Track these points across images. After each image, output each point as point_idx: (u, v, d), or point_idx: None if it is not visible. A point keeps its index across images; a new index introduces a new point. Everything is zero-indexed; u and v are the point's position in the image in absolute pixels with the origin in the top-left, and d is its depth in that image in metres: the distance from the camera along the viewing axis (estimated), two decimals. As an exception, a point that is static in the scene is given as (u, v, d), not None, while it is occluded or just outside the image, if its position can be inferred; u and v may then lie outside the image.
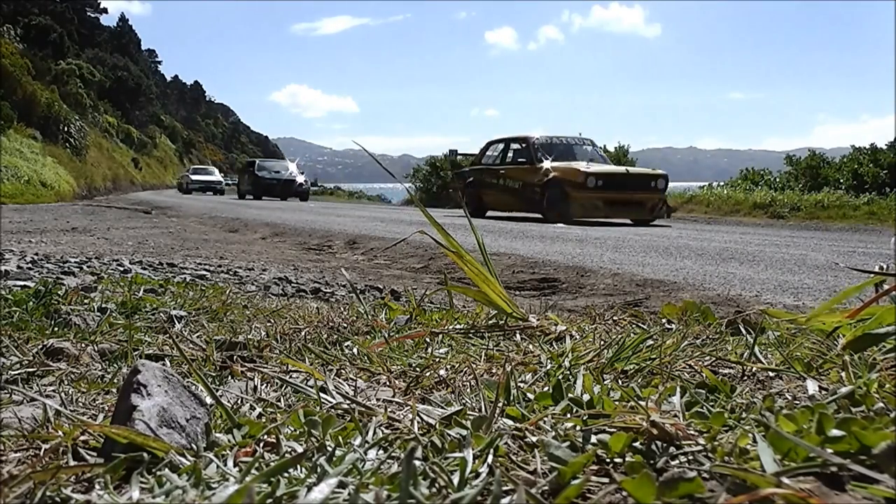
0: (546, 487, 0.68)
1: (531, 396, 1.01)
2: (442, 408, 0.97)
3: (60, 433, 0.85)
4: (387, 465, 0.74)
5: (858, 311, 1.32)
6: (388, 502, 0.63)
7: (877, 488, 0.63)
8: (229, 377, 1.25)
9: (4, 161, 18.78)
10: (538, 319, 1.70)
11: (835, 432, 0.71)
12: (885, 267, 1.69)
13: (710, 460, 0.72)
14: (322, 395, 1.03)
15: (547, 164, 11.69)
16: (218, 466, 0.74)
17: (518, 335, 1.59)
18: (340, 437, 0.83)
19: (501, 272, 4.43)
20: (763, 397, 0.92)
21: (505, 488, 0.67)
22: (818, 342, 1.33)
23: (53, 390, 1.15)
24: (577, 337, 1.56)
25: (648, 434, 0.76)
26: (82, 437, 0.84)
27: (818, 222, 11.92)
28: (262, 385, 1.18)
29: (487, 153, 13.58)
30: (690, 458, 0.73)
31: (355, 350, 1.45)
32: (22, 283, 2.69)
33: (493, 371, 1.26)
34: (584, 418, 0.86)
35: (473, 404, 1.01)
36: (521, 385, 1.09)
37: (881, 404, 0.84)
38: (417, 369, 1.27)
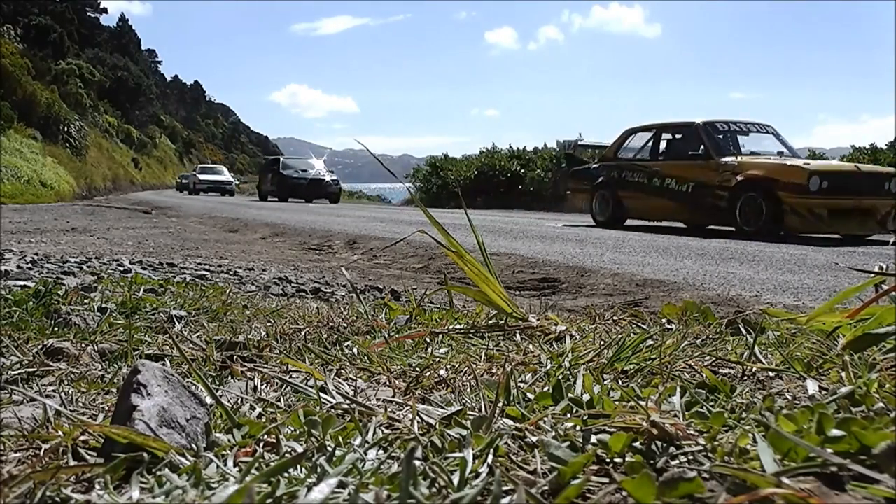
0: (546, 487, 0.68)
1: (531, 396, 1.01)
2: (442, 408, 0.97)
3: (60, 433, 0.85)
4: (387, 465, 0.74)
5: (858, 311, 1.32)
6: (388, 502, 0.63)
7: (877, 488, 0.63)
8: (229, 377, 1.25)
9: (4, 161, 18.78)
10: (538, 319, 1.70)
11: (835, 432, 0.71)
12: (885, 267, 1.69)
13: (710, 460, 0.72)
14: (322, 395, 1.03)
15: (733, 158, 8.57)
16: (218, 466, 0.74)
17: (518, 335, 1.59)
18: (340, 437, 0.83)
19: (501, 272, 4.43)
20: (763, 397, 0.92)
21: (505, 488, 0.67)
22: (818, 342, 1.33)
23: (53, 390, 1.15)
24: (577, 337, 1.56)
25: (648, 434, 0.76)
26: (82, 437, 0.84)
27: (818, 222, 11.89)
28: (262, 385, 1.18)
29: (627, 144, 10.28)
30: (690, 458, 0.73)
31: (355, 350, 1.45)
32: (22, 283, 2.69)
33: (493, 371, 1.26)
34: (584, 418, 0.86)
35: (473, 404, 1.01)
36: (521, 385, 1.09)
37: (881, 404, 0.84)
38: (417, 369, 1.27)
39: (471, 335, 1.60)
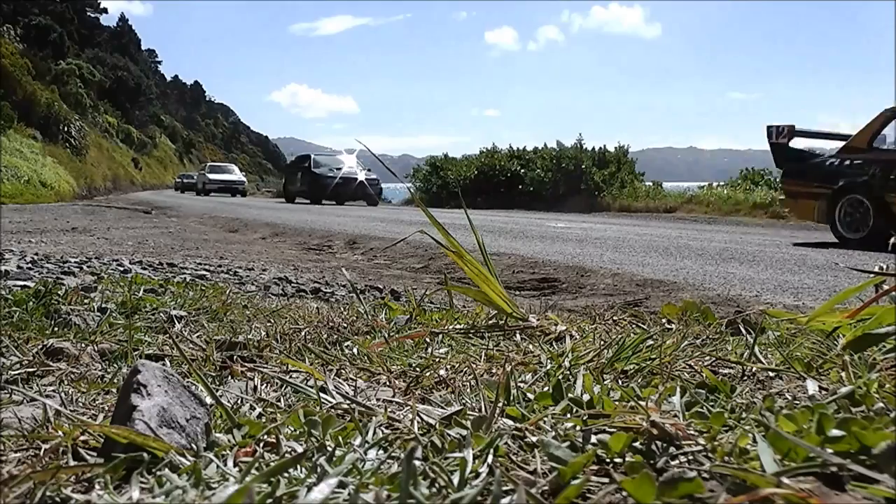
0: (546, 487, 0.68)
1: (531, 396, 1.01)
2: (442, 408, 0.97)
3: (60, 433, 0.85)
4: (387, 465, 0.74)
5: (858, 311, 1.32)
6: (388, 502, 0.63)
7: (877, 488, 0.63)
8: (229, 377, 1.25)
9: (4, 161, 18.78)
10: (538, 319, 1.70)
11: (835, 432, 0.71)
12: (885, 267, 1.69)
13: (710, 460, 0.72)
14: (322, 395, 1.03)
15: None
16: (218, 466, 0.74)
17: (518, 335, 1.59)
18: (340, 437, 0.83)
19: (501, 272, 4.43)
20: (763, 397, 0.92)
21: (505, 488, 0.67)
22: (818, 342, 1.33)
23: (53, 390, 1.15)
24: (577, 337, 1.56)
25: (648, 434, 0.76)
26: (82, 437, 0.84)
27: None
28: (262, 385, 1.18)
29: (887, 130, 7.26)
30: (690, 458, 0.73)
31: (355, 350, 1.45)
32: (22, 283, 2.69)
33: (493, 371, 1.26)
34: (584, 418, 0.86)
35: (473, 404, 1.01)
36: (521, 385, 1.09)
37: (881, 404, 0.84)
38: (417, 369, 1.27)
39: (471, 335, 1.60)
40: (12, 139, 22.27)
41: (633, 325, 1.75)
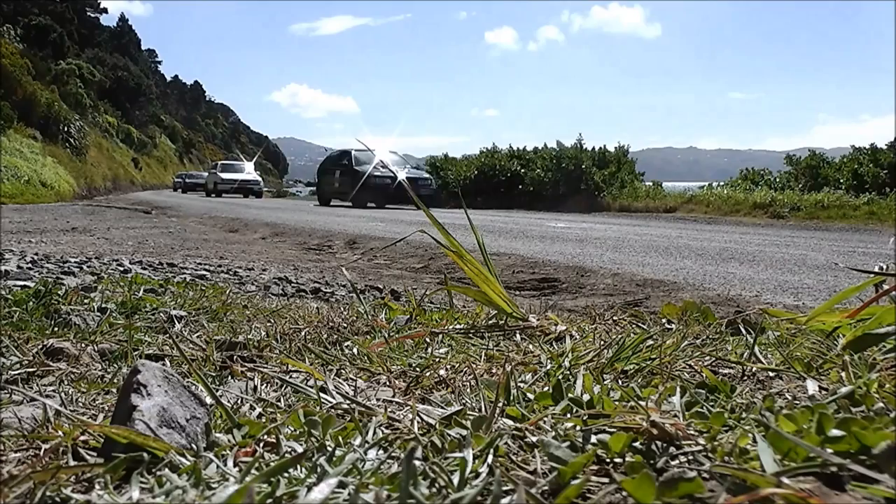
0: (546, 487, 0.68)
1: (531, 396, 1.00)
2: (442, 408, 0.97)
3: (60, 433, 0.85)
4: (387, 465, 0.74)
5: (858, 311, 1.32)
6: (388, 502, 0.63)
7: (877, 488, 0.63)
8: (229, 377, 1.25)
9: (4, 161, 18.78)
10: (538, 319, 1.70)
11: (835, 432, 0.71)
12: (885, 267, 1.69)
13: (710, 460, 0.72)
14: (322, 395, 1.03)
15: None
16: (218, 466, 0.74)
17: (518, 335, 1.59)
18: (340, 437, 0.83)
19: (501, 272, 4.43)
20: (763, 397, 0.92)
21: (505, 488, 0.67)
22: (818, 342, 1.33)
23: (53, 390, 1.15)
24: (577, 337, 1.56)
25: (648, 434, 0.76)
26: (82, 437, 0.84)
27: (818, 222, 11.91)
28: (262, 385, 1.18)
29: None
30: (690, 458, 0.73)
31: (355, 350, 1.45)
32: (22, 283, 2.69)
33: (493, 371, 1.26)
34: (584, 418, 0.86)
35: (473, 404, 1.01)
36: (521, 385, 1.09)
37: (881, 404, 0.84)
38: (417, 369, 1.27)
39: (471, 335, 1.60)
40: (12, 139, 22.28)
41: (633, 325, 1.75)
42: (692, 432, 0.79)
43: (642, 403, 0.88)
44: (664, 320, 1.82)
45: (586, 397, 0.95)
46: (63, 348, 1.41)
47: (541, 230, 8.58)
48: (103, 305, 2.01)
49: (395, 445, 0.80)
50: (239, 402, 1.04)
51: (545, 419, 0.87)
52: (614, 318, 1.89)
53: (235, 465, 0.76)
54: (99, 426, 0.83)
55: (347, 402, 0.99)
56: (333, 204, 18.97)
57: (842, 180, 14.42)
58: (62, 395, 1.10)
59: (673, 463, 0.73)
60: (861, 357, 1.13)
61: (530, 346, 1.47)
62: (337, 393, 1.05)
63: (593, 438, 0.78)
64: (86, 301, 2.11)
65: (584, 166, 18.32)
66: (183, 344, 1.51)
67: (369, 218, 11.43)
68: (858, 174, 14.12)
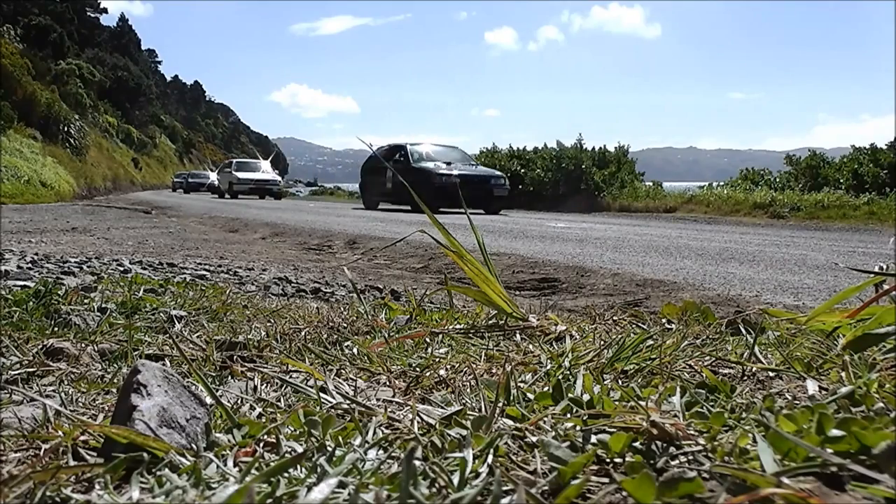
0: (546, 487, 0.68)
1: (531, 396, 1.00)
2: (442, 408, 0.97)
3: (60, 433, 0.85)
4: (387, 465, 0.74)
5: (858, 311, 1.32)
6: (388, 502, 0.63)
7: (877, 488, 0.63)
8: (229, 377, 1.25)
9: (4, 161, 18.78)
10: (538, 319, 1.70)
11: (835, 432, 0.71)
12: (885, 267, 1.69)
13: (710, 460, 0.72)
14: (322, 395, 1.03)
15: None
16: (218, 466, 0.74)
17: (518, 335, 1.59)
18: (340, 437, 0.83)
19: (501, 272, 4.43)
20: (763, 397, 0.92)
21: (505, 488, 0.67)
22: (818, 342, 1.33)
23: (53, 390, 1.15)
24: (577, 337, 1.56)
25: (648, 434, 0.76)
26: (82, 437, 0.84)
27: (818, 222, 11.92)
28: (262, 385, 1.18)
29: None
30: (690, 458, 0.73)
31: (355, 350, 1.45)
32: (22, 283, 2.69)
33: (493, 371, 1.26)
34: (584, 418, 0.86)
35: (473, 404, 1.01)
36: (521, 385, 1.09)
37: (881, 404, 0.84)
38: (417, 369, 1.27)
39: (471, 335, 1.60)
40: (12, 139, 22.28)
41: (633, 325, 1.75)
42: (692, 432, 0.79)
43: (642, 403, 0.89)
44: (664, 320, 1.82)
45: (586, 397, 0.95)
46: (63, 348, 1.41)
47: (541, 230, 8.58)
48: (103, 305, 2.01)
49: (395, 445, 0.80)
50: (239, 402, 1.04)
51: (545, 419, 0.87)
52: (614, 318, 1.89)
53: (235, 465, 0.76)
54: (99, 426, 0.83)
55: (347, 402, 0.99)
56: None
57: (842, 180, 14.42)
58: (62, 395, 1.10)
59: (673, 463, 0.73)
60: (861, 357, 1.13)
61: (530, 346, 1.47)
62: (337, 393, 1.05)
63: (593, 438, 0.78)
64: (86, 301, 2.11)
65: (584, 166, 18.32)
66: (183, 344, 1.51)
67: (369, 218, 11.43)
68: (858, 174, 14.12)
